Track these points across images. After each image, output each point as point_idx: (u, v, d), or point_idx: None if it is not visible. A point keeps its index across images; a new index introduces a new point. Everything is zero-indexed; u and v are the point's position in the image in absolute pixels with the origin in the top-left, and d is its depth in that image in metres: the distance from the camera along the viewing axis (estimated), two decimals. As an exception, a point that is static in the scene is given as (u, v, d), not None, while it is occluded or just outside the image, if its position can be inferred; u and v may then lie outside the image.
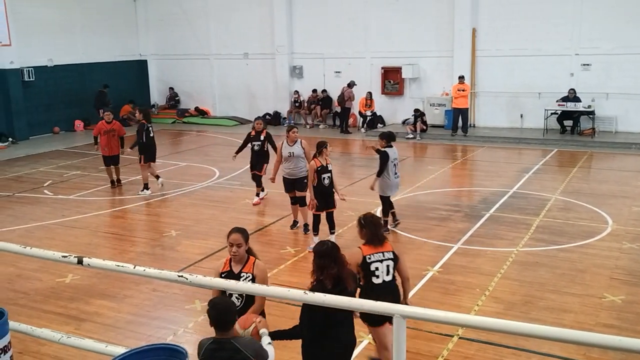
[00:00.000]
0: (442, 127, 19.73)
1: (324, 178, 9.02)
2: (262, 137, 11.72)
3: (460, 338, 6.33)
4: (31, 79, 20.55)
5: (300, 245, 9.47)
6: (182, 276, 3.40)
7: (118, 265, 3.56)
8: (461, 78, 18.67)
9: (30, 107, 20.65)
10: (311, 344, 4.46)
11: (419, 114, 19.28)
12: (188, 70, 24.65)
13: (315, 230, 9.29)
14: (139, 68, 25.34)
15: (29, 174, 15.24)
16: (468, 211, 11.11)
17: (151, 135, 12.74)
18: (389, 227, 9.88)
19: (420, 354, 6.06)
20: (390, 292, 5.24)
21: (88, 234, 10.56)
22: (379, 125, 20.73)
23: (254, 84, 23.39)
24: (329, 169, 9.10)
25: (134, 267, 3.51)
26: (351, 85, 20.58)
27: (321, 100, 21.92)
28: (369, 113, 20.51)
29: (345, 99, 20.47)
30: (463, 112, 18.79)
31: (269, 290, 3.31)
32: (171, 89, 25.08)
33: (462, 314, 3.37)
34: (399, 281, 5.49)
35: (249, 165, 12.05)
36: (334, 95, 21.37)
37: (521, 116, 19.32)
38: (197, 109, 24.45)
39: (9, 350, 3.49)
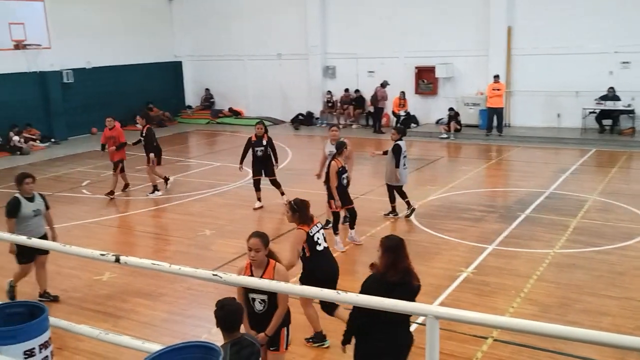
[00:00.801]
0: (476, 127, 19.50)
1: (343, 178, 9.20)
2: (264, 142, 11.40)
3: (494, 340, 6.25)
4: (70, 81, 21.05)
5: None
6: (216, 275, 3.43)
7: (154, 264, 3.62)
8: (496, 77, 18.43)
9: (69, 109, 21.14)
10: (359, 341, 4.45)
11: (453, 114, 19.10)
12: (222, 71, 24.88)
13: (336, 230, 9.41)
14: (174, 69, 25.70)
15: (68, 174, 15.60)
16: (503, 212, 10.97)
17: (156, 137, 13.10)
18: (397, 213, 10.63)
19: (454, 355, 6.00)
20: (330, 255, 6.43)
21: (124, 232, 10.77)
22: (412, 125, 20.60)
23: (287, 84, 23.49)
24: (346, 168, 9.35)
25: (170, 266, 3.57)
26: (384, 85, 20.49)
27: (354, 100, 21.90)
28: (402, 113, 20.40)
29: (378, 98, 20.40)
30: (498, 112, 18.55)
31: (301, 290, 3.32)
32: (207, 90, 25.36)
33: (497, 315, 3.33)
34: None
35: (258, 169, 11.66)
36: (367, 95, 21.32)
37: (558, 115, 18.96)
38: (230, 109, 24.67)
39: (49, 345, 3.58)
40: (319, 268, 6.22)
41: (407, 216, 10.66)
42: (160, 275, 7.98)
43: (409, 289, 4.30)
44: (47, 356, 3.52)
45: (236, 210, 11.71)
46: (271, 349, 4.98)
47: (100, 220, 11.36)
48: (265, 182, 11.75)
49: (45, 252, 7.39)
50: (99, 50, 22.13)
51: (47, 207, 7.67)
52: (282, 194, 11.70)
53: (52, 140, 20.00)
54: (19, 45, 17.02)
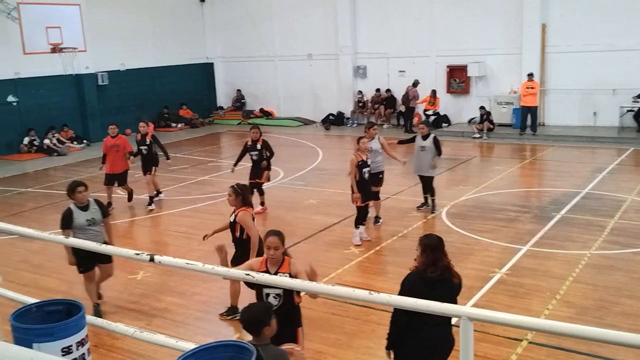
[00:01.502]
0: (509, 126, 19.22)
1: (364, 172, 9.30)
2: (258, 146, 11.31)
3: (529, 343, 6.15)
4: (105, 83, 21.44)
5: (364, 245, 9.44)
6: (249, 274, 3.45)
7: (188, 263, 3.65)
8: (530, 75, 18.13)
9: (103, 110, 21.52)
10: (401, 342, 4.47)
11: (485, 113, 18.87)
12: (253, 72, 25.04)
13: (358, 223, 9.54)
14: (206, 71, 25.96)
15: (103, 174, 15.84)
16: (537, 212, 10.79)
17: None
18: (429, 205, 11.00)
19: (488, 357, 5.92)
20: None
21: (158, 232, 10.91)
22: (444, 124, 20.41)
23: (318, 84, 23.52)
24: (368, 163, 9.43)
25: (203, 265, 3.60)
26: (415, 84, 20.35)
27: (385, 99, 21.81)
28: (430, 112, 20.16)
29: (410, 98, 20.27)
30: (532, 111, 18.26)
31: (334, 290, 3.32)
32: (238, 90, 25.56)
33: (532, 317, 3.27)
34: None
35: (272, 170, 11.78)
36: (398, 94, 21.21)
37: (594, 114, 18.57)
38: (262, 110, 24.81)
39: (85, 343, 3.64)
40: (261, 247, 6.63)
41: (419, 207, 11.04)
42: (194, 275, 8.07)
43: (449, 285, 4.40)
44: (83, 353, 3.58)
45: (268, 210, 11.75)
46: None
47: (134, 219, 11.52)
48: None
49: (107, 260, 7.15)
50: (133, 52, 22.49)
51: (105, 215, 7.27)
52: (262, 203, 11.57)
53: (86, 141, 20.39)
54: (56, 49, 17.36)
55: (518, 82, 18.95)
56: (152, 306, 7.59)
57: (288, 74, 24.31)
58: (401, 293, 4.20)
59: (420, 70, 20.88)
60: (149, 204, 12.11)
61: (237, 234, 6.99)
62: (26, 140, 19.15)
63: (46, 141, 19.22)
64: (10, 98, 19.20)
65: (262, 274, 3.52)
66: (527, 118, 18.31)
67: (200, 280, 8.11)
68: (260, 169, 11.46)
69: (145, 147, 11.93)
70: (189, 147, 19.71)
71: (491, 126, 18.84)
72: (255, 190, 11.43)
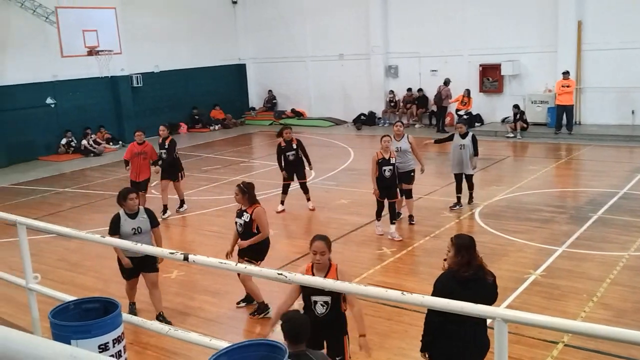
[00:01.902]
0: (544, 125, 18.90)
1: (384, 170, 9.48)
2: (294, 146, 11.32)
3: (565, 345, 6.05)
4: (139, 85, 21.79)
5: (396, 245, 9.40)
6: (281, 274, 3.47)
7: (221, 263, 3.69)
8: (565, 74, 17.79)
9: (138, 112, 21.88)
10: (435, 343, 4.48)
11: (518, 112, 18.59)
12: (285, 72, 25.14)
13: (378, 217, 9.92)
14: (238, 72, 26.17)
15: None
16: (573, 213, 10.59)
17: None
18: (462, 204, 11.07)
19: (522, 360, 5.84)
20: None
21: (191, 232, 11.04)
22: (477, 124, 20.18)
23: (349, 84, 23.49)
24: (392, 162, 9.57)
25: (236, 264, 3.63)
26: (447, 83, 20.17)
27: (417, 99, 21.67)
28: (462, 112, 19.93)
29: (442, 97, 20.10)
30: (567, 109, 17.92)
31: (366, 290, 3.31)
32: (270, 91, 25.70)
33: (569, 319, 3.21)
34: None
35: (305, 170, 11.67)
36: (430, 94, 21.05)
37: (632, 112, 18.12)
38: (293, 110, 24.89)
39: (122, 340, 3.71)
40: (267, 244, 7.31)
41: (451, 207, 11.05)
42: (226, 274, 8.13)
43: (483, 284, 4.40)
44: (120, 350, 3.65)
45: (299, 210, 11.79)
46: (337, 359, 4.99)
47: (167, 219, 11.67)
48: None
49: (152, 269, 7.00)
50: (167, 54, 22.81)
51: (154, 225, 7.08)
52: (309, 199, 11.66)
53: (121, 142, 20.76)
54: (92, 52, 17.71)
55: (553, 80, 18.61)
56: (186, 305, 7.69)
57: (319, 74, 24.35)
58: (434, 294, 4.20)
59: (452, 69, 20.69)
60: (180, 207, 11.98)
61: (255, 231, 7.09)
62: (64, 141, 19.60)
63: (84, 142, 19.64)
64: (49, 100, 19.68)
65: (294, 273, 3.53)
66: (562, 117, 17.98)
67: (233, 279, 8.15)
68: (295, 169, 11.49)
69: (165, 151, 11.59)
70: (221, 147, 19.90)
71: (525, 125, 18.55)
72: (286, 190, 11.62)
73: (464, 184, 11.11)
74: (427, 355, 4.59)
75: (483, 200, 11.50)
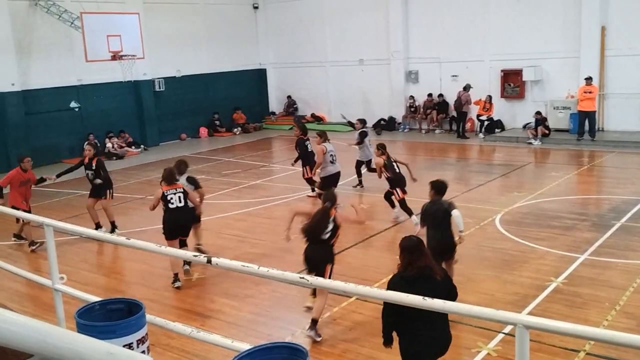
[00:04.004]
0: (566, 132, 18.72)
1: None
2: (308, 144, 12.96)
3: (587, 354, 5.99)
4: (161, 89, 22.03)
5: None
6: (303, 277, 3.50)
7: (243, 266, 3.73)
8: (588, 79, 17.61)
9: (160, 116, 22.12)
10: (400, 338, 4.82)
11: (540, 118, 18.45)
12: (304, 77, 25.23)
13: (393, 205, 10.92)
14: (259, 77, 26.33)
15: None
16: (596, 220, 10.47)
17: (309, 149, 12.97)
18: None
19: (543, 368, 5.80)
20: (184, 211, 8.52)
21: (212, 235, 11.10)
22: (497, 130, 20.06)
23: (369, 89, 23.49)
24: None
25: (258, 268, 3.66)
26: (467, 88, 20.08)
27: (437, 105, 21.61)
28: (484, 117, 19.87)
29: (462, 103, 20.02)
30: (590, 116, 17.73)
31: (388, 295, 3.33)
32: (289, 96, 25.81)
33: (592, 327, 3.19)
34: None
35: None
36: (451, 99, 20.98)
37: (657, 119, 17.90)
38: (313, 115, 24.96)
39: (146, 341, 3.76)
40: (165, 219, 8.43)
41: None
42: (246, 277, 8.19)
43: (432, 282, 4.71)
44: (144, 351, 3.69)
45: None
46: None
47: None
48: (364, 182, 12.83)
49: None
50: (188, 59, 23.04)
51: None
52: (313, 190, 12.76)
53: (143, 146, 20.99)
54: (116, 56, 17.97)
55: (576, 86, 18.44)
56: (206, 307, 7.75)
57: (339, 79, 24.39)
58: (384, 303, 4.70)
59: (473, 74, 20.60)
60: (112, 231, 10.98)
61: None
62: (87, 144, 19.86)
63: (108, 145, 19.91)
64: (73, 104, 19.98)
65: (316, 277, 3.56)
66: (584, 123, 17.80)
67: (253, 282, 8.23)
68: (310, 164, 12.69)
69: (92, 172, 11.05)
70: (241, 151, 20.02)
71: (546, 131, 18.40)
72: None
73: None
74: (391, 347, 4.97)
75: (504, 207, 11.43)
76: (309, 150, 12.80)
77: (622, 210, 10.82)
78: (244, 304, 7.76)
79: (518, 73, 19.83)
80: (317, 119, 24.73)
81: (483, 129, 19.98)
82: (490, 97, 19.77)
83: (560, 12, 18.92)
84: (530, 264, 8.60)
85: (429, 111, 21.79)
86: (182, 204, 8.40)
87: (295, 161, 13.08)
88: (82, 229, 5.12)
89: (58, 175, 11.17)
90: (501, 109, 20.34)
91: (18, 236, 10.76)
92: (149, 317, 3.94)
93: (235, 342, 3.79)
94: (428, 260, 4.80)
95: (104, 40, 17.56)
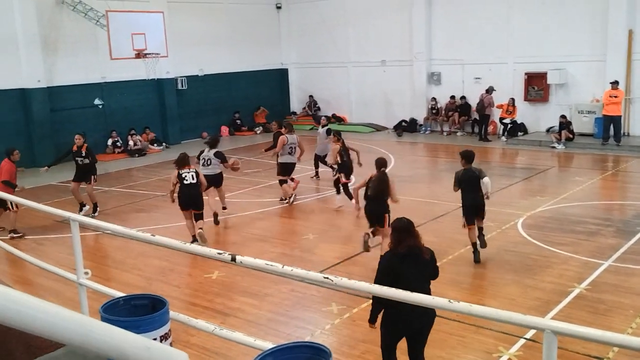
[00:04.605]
0: (591, 136, 18.47)
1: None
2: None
3: (611, 362, 5.90)
4: (184, 88, 22.17)
5: (437, 253, 9.25)
6: (327, 278, 3.49)
7: (268, 264, 3.73)
8: (614, 83, 17.36)
9: (182, 114, 22.28)
10: (384, 310, 5.17)
11: (564, 122, 18.23)
12: (326, 77, 25.22)
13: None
14: (280, 76, 26.38)
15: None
16: (621, 226, 10.31)
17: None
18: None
19: (566, 375, 5.72)
20: (196, 187, 10.06)
21: (232, 233, 11.17)
22: (520, 133, 19.87)
23: (391, 90, 23.41)
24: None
25: (282, 267, 3.66)
26: (490, 91, 19.91)
27: (459, 107, 21.46)
28: (507, 120, 19.70)
29: (485, 105, 19.86)
30: (615, 120, 17.48)
31: (413, 297, 3.30)
32: (310, 96, 25.82)
33: (620, 334, 3.14)
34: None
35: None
36: (473, 102, 20.82)
37: (684, 124, 17.58)
38: (334, 115, 24.93)
39: (169, 337, 3.78)
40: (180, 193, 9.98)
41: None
42: (265, 276, 8.21)
43: (419, 259, 5.17)
44: (166, 347, 3.72)
45: (338, 215, 11.81)
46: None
47: (209, 220, 11.83)
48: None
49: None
50: (211, 58, 23.16)
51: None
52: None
53: (165, 144, 21.15)
54: (140, 55, 18.13)
55: (601, 90, 18.19)
56: (226, 305, 7.78)
57: (361, 80, 24.35)
58: (379, 267, 5.21)
59: (496, 77, 20.40)
60: (94, 211, 12.41)
61: None
62: (109, 141, 20.10)
63: (131, 142, 20.12)
64: (97, 101, 20.20)
65: (340, 278, 3.55)
66: (609, 128, 17.55)
67: (272, 281, 8.25)
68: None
69: (83, 158, 12.31)
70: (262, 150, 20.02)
71: (570, 136, 18.18)
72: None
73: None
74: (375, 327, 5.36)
75: (526, 211, 11.31)
76: None
77: (648, 217, 10.65)
78: (263, 303, 7.77)
79: (542, 76, 19.61)
80: (338, 119, 24.71)
81: (505, 132, 19.80)
82: (513, 99, 19.59)
83: (586, 15, 18.68)
84: (552, 269, 8.50)
85: (450, 113, 21.65)
86: (195, 181, 9.99)
87: (267, 150, 14.25)
88: (107, 225, 5.17)
89: (49, 166, 12.78)
90: (524, 112, 20.14)
91: (14, 231, 11.25)
92: (172, 313, 3.96)
93: (257, 341, 3.79)
94: (417, 240, 5.26)
95: (129, 39, 17.73)
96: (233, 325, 7.01)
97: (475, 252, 8.84)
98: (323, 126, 15.10)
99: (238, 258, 3.69)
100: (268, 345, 3.52)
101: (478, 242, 8.83)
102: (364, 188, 8.99)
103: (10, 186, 10.81)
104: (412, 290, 4.67)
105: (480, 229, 8.90)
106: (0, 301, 1.39)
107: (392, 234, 5.37)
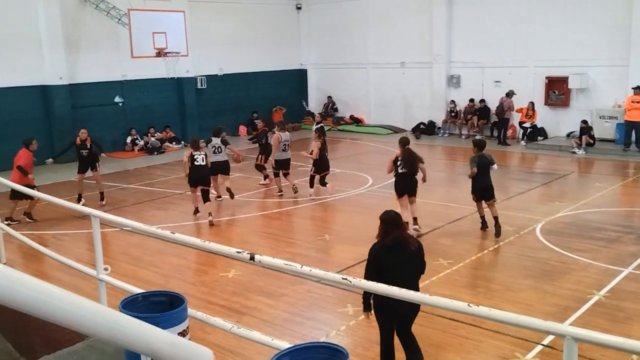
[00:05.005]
0: (612, 142, 18.25)
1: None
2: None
3: (630, 370, 5.82)
4: (203, 87, 22.30)
5: (453, 257, 9.27)
6: (346, 279, 3.48)
7: (286, 264, 3.74)
8: (637, 89, 17.13)
9: (202, 113, 22.40)
10: (375, 297, 5.37)
11: (585, 127, 18.03)
12: (345, 79, 25.21)
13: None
14: (299, 77, 26.41)
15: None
16: (641, 233, 10.18)
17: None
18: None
19: (584, 383, 5.66)
20: (204, 169, 11.58)
21: (249, 232, 11.20)
22: (539, 137, 19.69)
23: (410, 93, 23.33)
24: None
25: (301, 267, 3.67)
26: (510, 94, 19.77)
27: (478, 110, 21.32)
28: (527, 125, 19.55)
29: (504, 109, 19.71)
30: (637, 126, 17.26)
31: (432, 300, 3.29)
32: (329, 97, 25.83)
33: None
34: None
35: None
36: (493, 105, 20.68)
37: None
38: (352, 117, 24.92)
39: (186, 334, 3.79)
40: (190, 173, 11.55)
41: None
42: (281, 276, 8.23)
43: (406, 250, 5.41)
44: (184, 344, 3.73)
45: (354, 216, 11.80)
46: None
47: (225, 219, 11.89)
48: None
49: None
50: (230, 58, 23.27)
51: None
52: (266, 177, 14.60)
53: (183, 143, 21.28)
54: (160, 53, 18.28)
55: (623, 95, 17.96)
56: (242, 304, 7.80)
57: (380, 81, 24.29)
58: (369, 258, 5.45)
59: (517, 80, 20.25)
60: (101, 199, 13.29)
61: None
62: (129, 139, 20.27)
63: (151, 139, 20.28)
64: (117, 99, 20.38)
65: (358, 279, 3.54)
66: (631, 134, 17.33)
67: (288, 282, 8.26)
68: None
69: (87, 150, 13.06)
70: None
71: (591, 141, 17.98)
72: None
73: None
74: (369, 316, 5.66)
75: (545, 216, 11.20)
76: (268, 142, 14.28)
77: (669, 225, 10.50)
78: (279, 303, 7.78)
79: (563, 80, 19.41)
80: (356, 120, 24.69)
81: (525, 137, 19.64)
82: (532, 103, 19.42)
83: (608, 19, 18.45)
84: (571, 275, 8.41)
85: (469, 116, 21.52)
86: (204, 163, 11.50)
87: (251, 139, 15.45)
88: (128, 222, 5.21)
89: (54, 158, 13.66)
90: (544, 117, 19.96)
91: (28, 214, 11.97)
92: (190, 311, 3.98)
93: (275, 340, 3.80)
94: (403, 232, 5.57)
95: (150, 37, 17.89)
96: (249, 325, 7.01)
97: (483, 222, 10.21)
98: (317, 123, 15.57)
99: (257, 257, 3.70)
100: (285, 345, 3.53)
101: (494, 231, 9.95)
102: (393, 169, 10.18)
103: (22, 171, 11.47)
104: (402, 281, 4.77)
105: (496, 218, 9.93)
106: (32, 293, 1.41)
107: (379, 226, 5.59)
